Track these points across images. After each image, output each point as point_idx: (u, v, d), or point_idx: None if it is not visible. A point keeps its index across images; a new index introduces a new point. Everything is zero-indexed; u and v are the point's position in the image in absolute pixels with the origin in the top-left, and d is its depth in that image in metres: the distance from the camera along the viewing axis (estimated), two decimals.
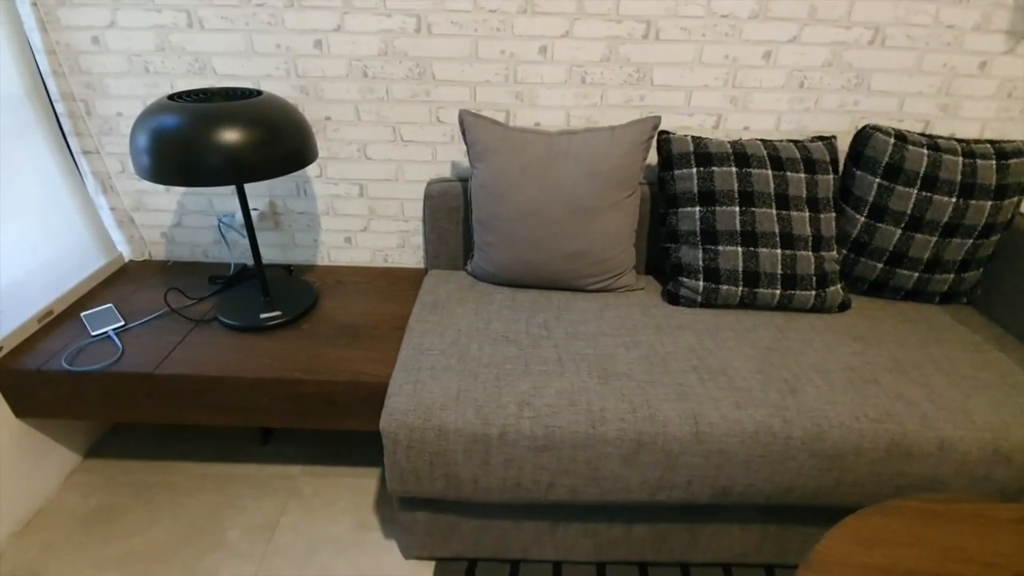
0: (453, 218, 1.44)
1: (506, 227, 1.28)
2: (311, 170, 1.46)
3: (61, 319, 1.33)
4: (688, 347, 1.16)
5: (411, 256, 1.59)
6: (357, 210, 1.51)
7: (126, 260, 1.58)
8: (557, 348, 1.15)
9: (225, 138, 1.05)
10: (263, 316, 1.32)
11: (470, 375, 1.07)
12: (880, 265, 1.32)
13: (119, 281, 1.49)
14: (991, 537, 0.66)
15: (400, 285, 1.51)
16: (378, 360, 1.23)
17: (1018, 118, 1.41)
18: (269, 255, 1.59)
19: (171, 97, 1.11)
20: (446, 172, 1.47)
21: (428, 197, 1.42)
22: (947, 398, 1.05)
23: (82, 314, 1.33)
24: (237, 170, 1.07)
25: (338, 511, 1.35)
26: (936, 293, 1.35)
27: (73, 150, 1.43)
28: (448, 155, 1.44)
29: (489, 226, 1.30)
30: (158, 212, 1.52)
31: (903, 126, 1.41)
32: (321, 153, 1.43)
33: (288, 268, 1.56)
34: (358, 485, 1.41)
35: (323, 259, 1.59)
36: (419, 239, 1.56)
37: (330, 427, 1.23)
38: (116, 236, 1.55)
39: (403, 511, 1.14)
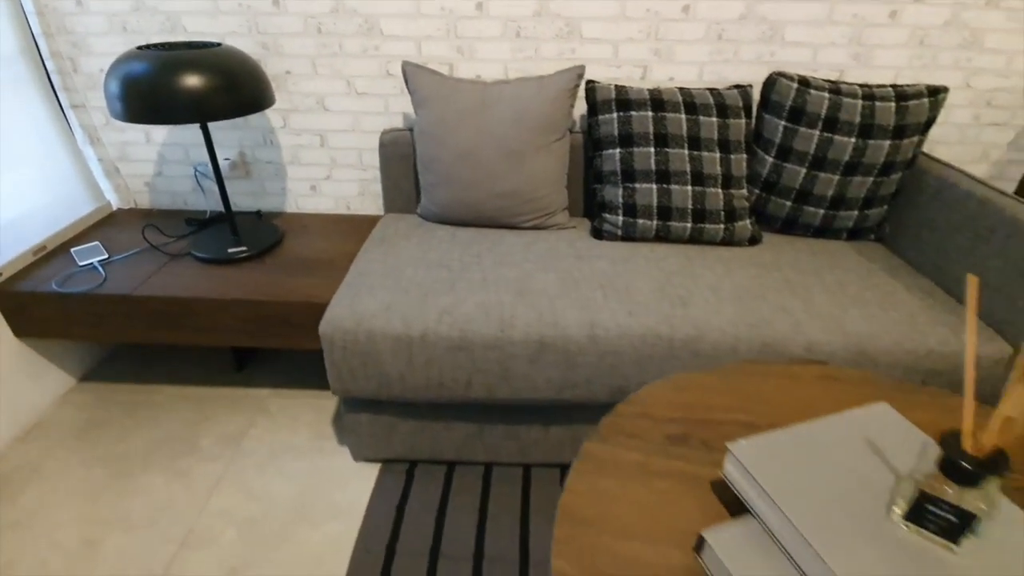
0: (405, 165, 1.58)
1: (445, 168, 1.41)
2: (275, 121, 1.60)
3: (53, 254, 1.50)
4: (601, 271, 1.29)
5: (371, 203, 1.73)
6: (319, 159, 1.66)
7: (114, 208, 1.75)
8: (483, 272, 1.29)
9: (187, 81, 1.20)
10: (231, 251, 1.48)
11: (402, 292, 1.22)
12: (789, 203, 1.44)
13: (106, 225, 1.65)
14: (793, 387, 0.79)
15: (360, 228, 1.66)
16: (329, 286, 1.38)
17: (931, 65, 1.51)
18: (241, 202, 1.74)
19: (140, 48, 1.26)
20: (398, 123, 1.60)
21: (382, 145, 1.55)
22: (824, 311, 1.17)
23: (72, 249, 1.49)
24: (199, 110, 1.22)
25: (300, 425, 1.51)
26: (843, 229, 1.46)
27: (63, 104, 1.59)
28: (399, 107, 1.58)
29: (430, 168, 1.43)
30: (141, 162, 1.68)
31: (818, 75, 1.51)
32: (283, 105, 1.57)
33: (258, 213, 1.71)
34: (319, 405, 1.58)
35: (291, 207, 1.74)
36: (378, 187, 1.71)
37: (288, 345, 1.39)
38: (104, 185, 1.71)
39: (348, 413, 1.29)
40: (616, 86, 1.41)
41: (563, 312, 1.15)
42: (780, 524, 0.53)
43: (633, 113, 1.38)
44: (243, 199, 1.73)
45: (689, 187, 1.37)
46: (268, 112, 1.59)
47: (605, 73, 1.52)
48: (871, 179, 1.39)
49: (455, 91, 1.38)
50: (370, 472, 1.38)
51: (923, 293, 1.27)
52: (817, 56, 1.48)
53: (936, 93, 1.36)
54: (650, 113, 1.37)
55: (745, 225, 1.41)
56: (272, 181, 1.70)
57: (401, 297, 1.20)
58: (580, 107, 1.57)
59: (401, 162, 1.57)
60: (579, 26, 1.45)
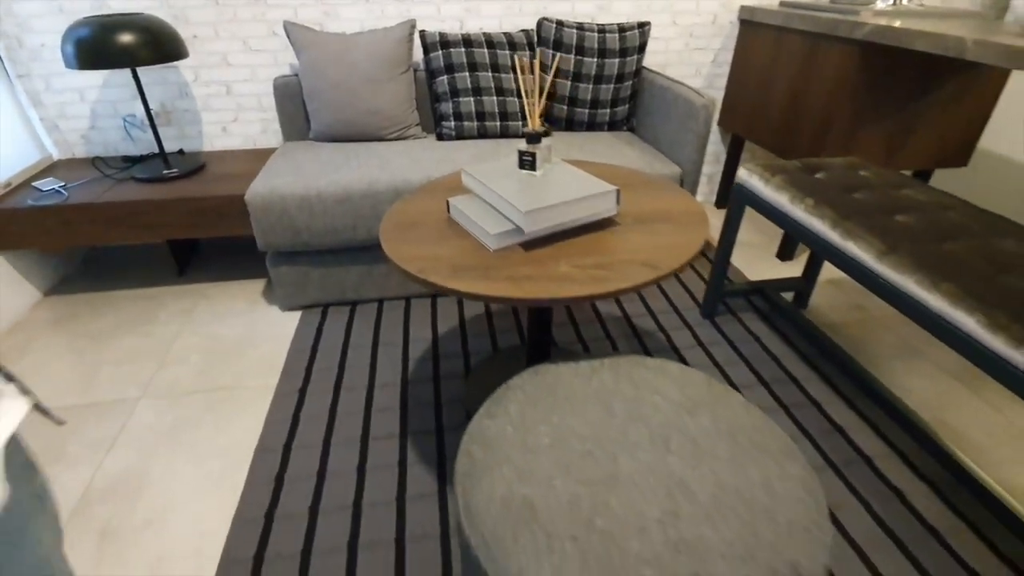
0: (296, 103, 2.13)
1: (323, 95, 1.98)
2: (188, 76, 2.09)
3: (18, 188, 1.91)
4: (439, 155, 1.92)
5: (273, 138, 2.26)
6: (227, 105, 2.16)
7: (55, 159, 2.15)
8: (359, 161, 1.88)
9: (122, 38, 1.70)
10: (165, 172, 1.96)
11: (301, 173, 1.78)
12: (564, 107, 2.15)
13: (53, 171, 2.07)
14: None
15: (266, 156, 2.18)
16: (248, 186, 1.90)
17: (648, 11, 2.27)
18: (166, 145, 2.21)
19: (85, 18, 1.73)
20: (286, 71, 2.15)
21: (276, 89, 2.09)
22: (582, 163, 1.88)
23: (33, 183, 1.91)
24: (131, 57, 1.71)
25: (237, 299, 2.03)
26: (603, 123, 2.19)
27: (10, 74, 1.99)
28: (286, 59, 2.13)
29: (313, 96, 2.00)
30: (77, 118, 2.10)
31: (575, 19, 2.23)
32: (194, 63, 2.07)
33: (180, 151, 2.19)
34: (251, 286, 2.10)
35: (207, 146, 2.23)
36: (277, 126, 2.24)
37: (221, 233, 1.90)
38: (46, 140, 2.12)
39: (273, 267, 1.84)
40: (440, 33, 2.04)
41: (411, 174, 1.77)
42: (477, 185, 1.18)
43: (452, 50, 2.02)
44: (166, 142, 2.20)
45: (495, 97, 2.04)
46: (182, 69, 2.08)
47: (434, 26, 2.15)
48: (612, 86, 2.12)
49: (326, 41, 1.96)
50: (294, 316, 1.93)
51: (641, 151, 2.01)
52: (575, 8, 2.20)
53: (643, 26, 2.11)
54: (463, 49, 2.02)
55: (538, 123, 2.09)
56: (190, 126, 2.18)
57: (301, 176, 1.76)
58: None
59: (292, 101, 2.12)
60: None
